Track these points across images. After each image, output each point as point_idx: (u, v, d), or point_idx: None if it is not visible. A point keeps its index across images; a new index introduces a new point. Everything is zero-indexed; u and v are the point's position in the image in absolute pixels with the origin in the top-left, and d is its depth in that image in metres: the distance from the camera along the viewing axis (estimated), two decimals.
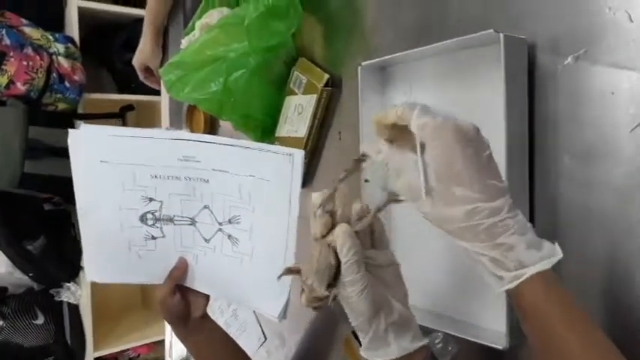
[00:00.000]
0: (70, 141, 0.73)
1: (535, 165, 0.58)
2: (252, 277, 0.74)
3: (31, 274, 1.98)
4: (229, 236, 0.74)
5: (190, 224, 0.76)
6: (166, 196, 0.75)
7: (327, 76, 0.81)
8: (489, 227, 0.41)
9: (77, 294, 2.02)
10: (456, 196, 0.42)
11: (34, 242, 1.96)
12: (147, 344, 2.19)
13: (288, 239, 0.67)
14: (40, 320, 1.97)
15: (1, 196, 1.83)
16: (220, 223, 0.74)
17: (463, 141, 0.42)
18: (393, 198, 0.51)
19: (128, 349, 2.21)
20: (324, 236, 0.49)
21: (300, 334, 0.95)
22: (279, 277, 0.52)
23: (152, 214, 0.76)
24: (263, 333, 1.04)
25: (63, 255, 2.01)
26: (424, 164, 0.44)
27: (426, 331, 0.66)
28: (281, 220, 0.68)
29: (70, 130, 0.73)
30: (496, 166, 0.44)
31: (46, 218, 1.97)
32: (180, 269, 0.79)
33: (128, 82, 2.11)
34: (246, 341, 0.99)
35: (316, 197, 0.51)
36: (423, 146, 0.44)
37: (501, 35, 0.54)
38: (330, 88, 0.82)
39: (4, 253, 1.93)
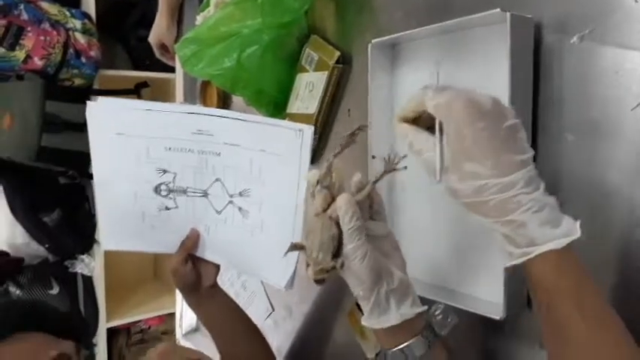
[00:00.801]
0: (87, 113, 0.76)
1: (538, 143, 0.59)
2: (261, 248, 0.77)
3: (46, 246, 2.03)
4: (240, 209, 0.77)
5: (203, 196, 0.79)
6: (180, 168, 0.77)
7: (338, 53, 0.82)
8: (500, 203, 0.41)
9: (91, 266, 2.07)
10: (467, 171, 0.42)
11: (49, 214, 2.00)
12: (158, 316, 2.25)
13: (296, 213, 0.70)
14: (55, 290, 2.02)
15: (18, 169, 1.87)
16: (231, 196, 0.77)
17: (474, 115, 0.41)
18: (391, 168, 0.54)
19: (140, 321, 2.27)
20: (324, 210, 0.52)
21: (307, 306, 0.98)
22: (285, 253, 0.54)
23: (166, 185, 0.79)
24: (271, 304, 1.07)
25: (77, 228, 2.06)
26: (441, 145, 0.45)
27: (426, 303, 0.69)
28: (290, 194, 0.70)
29: (89, 103, 0.76)
30: (518, 138, 0.42)
31: (62, 191, 2.01)
32: (192, 239, 0.81)
33: (143, 58, 2.13)
34: (254, 312, 1.02)
35: (312, 175, 0.54)
36: (441, 126, 0.46)
37: (508, 14, 0.55)
38: (340, 66, 0.83)
39: (20, 224, 1.98)
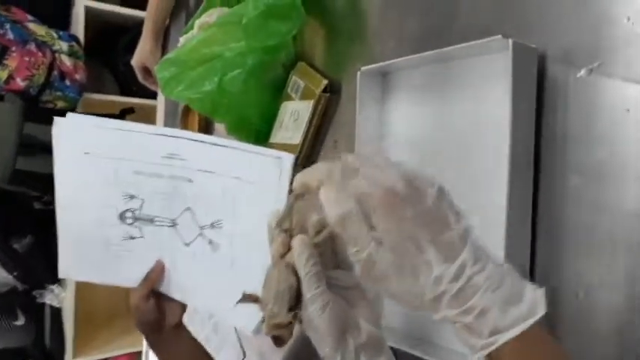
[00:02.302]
0: (54, 130, 0.71)
1: (540, 184, 0.54)
2: (230, 287, 0.70)
3: (15, 273, 1.93)
4: (210, 241, 0.71)
5: (171, 226, 0.73)
6: (148, 194, 0.72)
7: (325, 81, 0.78)
8: (458, 292, 0.36)
9: (61, 296, 1.97)
10: (412, 267, 0.36)
11: (20, 241, 1.91)
12: (128, 354, 2.13)
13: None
14: (21, 321, 1.92)
15: None
16: (202, 227, 0.71)
17: (398, 205, 0.36)
18: None
19: (108, 358, 2.15)
20: (282, 257, 0.45)
21: (281, 353, 0.90)
22: (236, 304, 0.47)
23: (132, 212, 0.73)
24: (243, 350, 0.99)
25: (49, 256, 1.96)
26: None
27: (405, 358, 0.62)
28: (265, 228, 0.64)
29: (56, 118, 0.70)
30: (447, 206, 0.37)
31: (35, 217, 1.93)
32: (156, 273, 0.75)
33: (130, 84, 2.09)
34: (225, 356, 0.94)
35: (271, 218, 0.47)
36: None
37: (510, 41, 0.50)
38: (328, 95, 0.78)
39: None
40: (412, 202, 0.36)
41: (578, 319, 0.50)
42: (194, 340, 0.82)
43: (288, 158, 0.61)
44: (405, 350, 0.60)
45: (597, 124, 0.50)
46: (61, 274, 0.78)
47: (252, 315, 0.67)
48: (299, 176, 0.43)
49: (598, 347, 0.48)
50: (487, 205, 0.55)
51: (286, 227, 0.46)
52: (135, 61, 1.31)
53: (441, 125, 0.63)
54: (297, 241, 0.43)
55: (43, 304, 1.98)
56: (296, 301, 0.43)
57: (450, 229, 0.36)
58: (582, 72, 0.51)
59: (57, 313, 1.98)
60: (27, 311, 1.94)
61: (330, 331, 0.42)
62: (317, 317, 0.42)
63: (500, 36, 0.51)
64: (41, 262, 1.94)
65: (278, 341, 0.45)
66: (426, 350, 0.59)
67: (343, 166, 0.38)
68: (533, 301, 0.35)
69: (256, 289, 0.47)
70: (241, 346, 0.99)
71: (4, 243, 1.90)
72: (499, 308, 0.35)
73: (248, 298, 0.47)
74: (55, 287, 1.98)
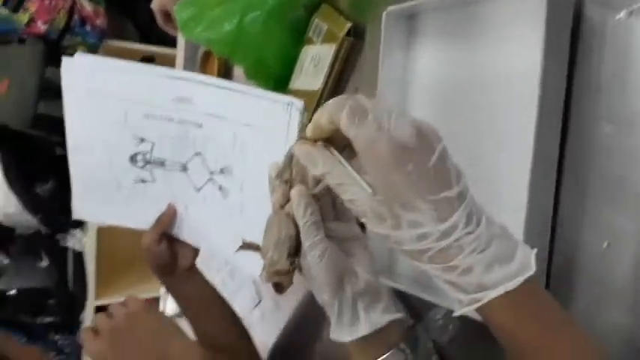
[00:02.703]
0: (63, 70, 0.70)
1: (569, 132, 0.51)
2: (240, 232, 0.70)
3: (39, 217, 1.98)
4: (220, 187, 0.70)
5: (181, 170, 0.73)
6: (158, 138, 0.71)
7: (349, 24, 0.75)
8: (441, 250, 0.35)
9: (82, 241, 2.02)
10: (402, 219, 0.36)
11: (43, 185, 1.95)
12: (148, 298, 2.19)
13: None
14: (45, 263, 1.98)
15: (13, 136, 1.81)
16: (212, 172, 0.70)
17: (400, 158, 0.35)
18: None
19: None
20: (282, 207, 0.45)
21: (296, 298, 0.91)
22: (236, 251, 0.48)
23: (143, 155, 0.73)
24: (258, 294, 1.01)
25: (70, 201, 2.01)
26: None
27: (427, 307, 0.62)
28: None
29: (64, 58, 0.69)
30: (448, 169, 0.36)
31: (57, 162, 1.95)
32: (168, 216, 0.75)
33: (151, 32, 2.06)
34: (241, 301, 0.96)
35: (272, 168, 0.47)
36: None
37: None
38: (351, 38, 0.76)
39: (13, 193, 1.93)
40: (418, 156, 0.35)
41: (601, 270, 0.48)
42: (207, 282, 0.84)
43: (299, 104, 0.60)
44: (415, 294, 0.60)
45: (635, 72, 0.47)
46: (74, 215, 0.79)
47: (260, 260, 0.67)
48: (314, 117, 0.41)
49: (619, 298, 0.47)
50: (512, 152, 0.53)
51: (286, 178, 0.46)
52: (155, 4, 1.28)
53: (468, 72, 0.60)
54: (295, 192, 0.44)
55: (66, 248, 2.03)
56: (295, 250, 0.44)
57: (449, 188, 0.35)
58: (622, 14, 0.48)
59: (79, 256, 2.04)
60: (50, 254, 2.00)
61: (328, 279, 0.42)
62: (315, 265, 0.42)
63: None
64: (63, 206, 1.98)
65: (278, 288, 0.46)
66: (435, 294, 0.58)
67: (353, 105, 0.36)
68: (523, 260, 0.35)
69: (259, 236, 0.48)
70: (257, 292, 1.01)
71: (27, 187, 1.94)
72: (484, 267, 0.35)
73: (247, 246, 0.48)
74: (76, 231, 2.03)
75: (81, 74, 0.70)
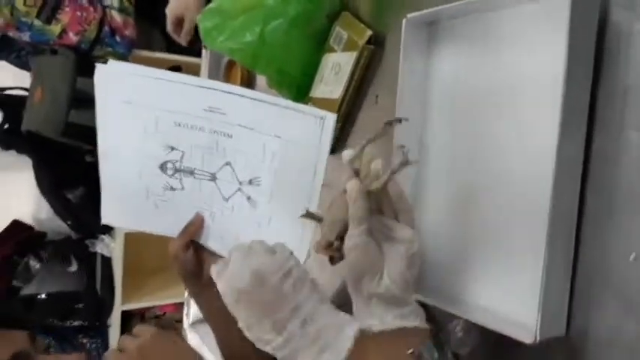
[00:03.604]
0: (96, 77, 0.71)
1: (594, 141, 0.50)
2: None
3: (68, 223, 2.03)
4: (248, 198, 0.71)
5: (210, 180, 0.73)
6: (188, 146, 0.72)
7: (369, 32, 0.74)
8: (290, 353, 0.47)
9: (110, 246, 2.06)
10: (253, 338, 0.49)
11: (74, 191, 2.00)
12: (174, 303, 2.22)
13: (309, 208, 0.63)
14: (74, 267, 2.02)
15: (45, 143, 1.86)
16: (240, 183, 0.71)
17: (235, 296, 0.51)
18: (405, 161, 0.51)
19: (155, 306, 2.25)
20: (345, 192, 0.51)
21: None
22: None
23: (172, 163, 0.73)
24: None
25: (100, 207, 2.04)
26: None
27: (447, 318, 0.60)
28: (303, 188, 0.63)
29: (98, 65, 0.71)
30: (288, 286, 0.48)
31: (87, 169, 2.00)
32: (196, 225, 0.76)
33: (178, 42, 2.10)
34: None
35: (346, 154, 0.53)
36: None
37: None
38: (371, 47, 0.75)
39: (44, 198, 1.98)
40: (249, 292, 0.49)
41: (626, 283, 0.47)
42: None
43: (331, 118, 0.60)
44: (436, 305, 0.59)
45: None
46: (103, 220, 0.80)
47: None
48: None
49: None
50: (535, 160, 0.52)
51: (355, 167, 0.53)
52: (170, 9, 1.27)
53: (488, 78, 0.59)
54: (350, 185, 0.50)
55: (95, 253, 2.07)
56: (344, 233, 0.51)
57: (282, 310, 0.47)
58: None
59: (107, 261, 2.07)
60: (80, 259, 2.04)
61: (350, 271, 0.50)
62: (347, 255, 0.50)
63: None
64: (92, 212, 2.02)
65: (331, 260, 0.53)
66: (455, 305, 0.58)
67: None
68: (340, 347, 0.46)
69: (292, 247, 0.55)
70: None
71: (58, 193, 1.99)
72: (317, 354, 0.46)
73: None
74: (105, 237, 2.07)
75: (114, 81, 0.70)
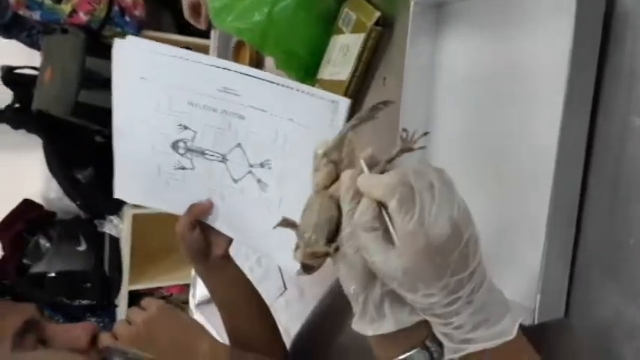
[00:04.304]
0: (114, 52, 0.71)
1: (597, 126, 0.50)
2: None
3: (77, 202, 2.04)
4: (259, 180, 0.71)
5: (221, 161, 0.73)
6: (201, 126, 0.72)
7: (378, 13, 0.74)
8: (443, 313, 0.40)
9: (119, 227, 2.08)
10: (418, 288, 0.39)
11: (83, 171, 2.01)
12: (181, 285, 2.24)
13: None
14: (82, 247, 2.04)
15: (55, 123, 1.87)
16: (251, 165, 0.71)
17: (432, 252, 0.38)
18: (408, 146, 0.45)
19: (162, 287, 2.27)
20: (326, 188, 0.45)
21: (320, 289, 0.92)
22: (275, 227, 0.47)
23: (184, 142, 0.74)
24: (284, 283, 1.02)
25: (108, 188, 2.06)
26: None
27: None
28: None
29: (116, 40, 0.71)
30: (468, 254, 0.39)
31: (96, 150, 2.01)
32: (202, 206, 0.77)
33: (187, 23, 2.10)
34: (266, 289, 0.97)
35: (320, 145, 0.46)
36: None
37: None
38: (380, 28, 0.75)
39: (54, 178, 2.00)
40: (446, 251, 0.38)
41: (627, 266, 0.47)
42: (240, 271, 0.85)
43: (345, 103, 0.60)
44: None
45: None
46: (115, 194, 0.81)
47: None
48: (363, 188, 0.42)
49: None
50: (538, 142, 0.52)
51: (334, 159, 0.45)
52: None
53: (495, 61, 0.59)
54: (347, 176, 0.43)
55: (103, 234, 2.09)
56: (334, 234, 0.43)
57: (464, 272, 0.39)
58: None
59: (115, 242, 2.09)
60: (89, 238, 2.06)
61: (360, 272, 0.42)
62: (352, 254, 0.42)
63: None
64: (101, 192, 2.04)
65: (307, 269, 0.46)
66: None
67: (403, 193, 0.39)
68: (506, 327, 0.40)
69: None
70: (283, 280, 1.02)
71: (68, 173, 2.00)
72: (472, 326, 0.40)
73: (286, 223, 0.47)
74: (114, 218, 2.09)
75: (131, 57, 0.71)
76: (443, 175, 0.40)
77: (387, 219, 0.39)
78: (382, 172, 0.43)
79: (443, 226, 0.38)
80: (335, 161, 0.45)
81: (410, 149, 0.45)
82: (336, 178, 0.45)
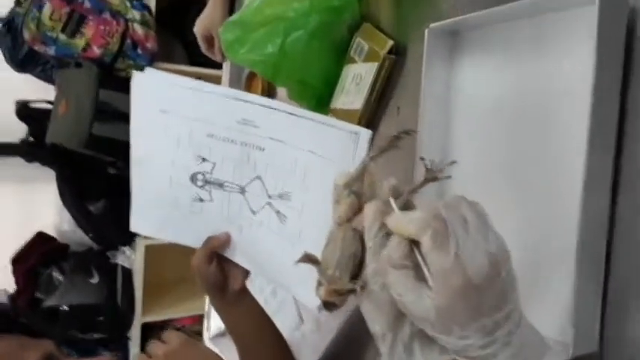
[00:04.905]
0: (132, 84, 0.71)
1: (624, 151, 0.49)
2: (296, 258, 0.69)
3: (90, 235, 2.04)
4: (278, 212, 0.69)
5: (240, 192, 0.72)
6: (220, 158, 0.71)
7: (391, 42, 0.74)
8: (479, 356, 0.37)
9: (132, 258, 2.07)
10: (452, 329, 0.37)
11: (95, 203, 2.02)
12: (193, 316, 2.22)
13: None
14: (95, 279, 2.03)
15: (69, 155, 1.89)
16: (270, 197, 0.70)
17: (469, 291, 0.36)
18: (432, 175, 0.44)
19: (175, 319, 2.25)
20: (349, 220, 0.43)
21: (338, 321, 0.90)
22: (296, 263, 0.45)
23: (203, 175, 0.73)
24: (300, 315, 0.99)
25: (121, 219, 2.05)
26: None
27: None
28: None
29: (134, 72, 0.71)
30: (506, 291, 0.37)
31: (109, 182, 2.02)
32: (220, 239, 0.75)
33: (199, 54, 2.12)
34: (281, 321, 0.95)
35: (341, 177, 0.45)
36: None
37: None
38: (393, 57, 0.75)
39: (67, 210, 2.01)
40: (483, 290, 0.36)
41: None
42: (257, 304, 0.83)
43: (366, 134, 0.59)
44: None
45: None
46: (131, 228, 0.80)
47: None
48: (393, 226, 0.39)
49: None
50: (562, 172, 0.51)
51: (356, 190, 0.44)
52: (198, 28, 1.29)
53: (513, 91, 0.58)
54: (371, 208, 0.41)
55: (116, 265, 2.09)
56: (358, 269, 0.42)
57: (500, 311, 0.37)
58: None
59: (128, 273, 2.08)
60: (101, 270, 2.05)
61: (389, 309, 0.40)
62: (378, 292, 0.40)
63: None
64: (114, 224, 2.04)
65: (330, 307, 0.44)
66: None
67: (436, 228, 0.37)
68: None
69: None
70: (299, 313, 1.00)
71: (81, 205, 2.01)
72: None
73: (308, 258, 0.45)
74: (126, 249, 2.08)
75: (150, 89, 0.71)
76: (476, 208, 0.38)
77: (418, 256, 0.37)
78: (405, 203, 0.42)
79: (480, 262, 0.36)
80: (357, 192, 0.44)
81: (435, 178, 0.44)
82: (358, 209, 0.44)
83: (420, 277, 0.37)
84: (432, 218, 0.37)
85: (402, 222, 0.38)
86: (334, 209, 0.45)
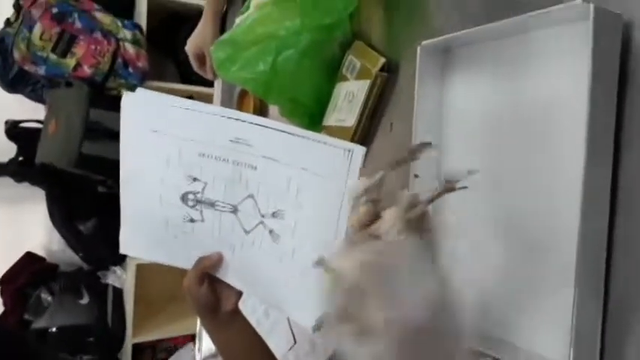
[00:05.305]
0: (122, 104, 0.70)
1: (621, 162, 0.48)
2: (290, 279, 0.67)
3: (80, 254, 2.02)
4: (271, 231, 0.68)
5: (232, 212, 0.71)
6: (211, 178, 0.70)
7: (383, 60, 0.74)
8: None
9: (122, 278, 2.04)
10: None
11: (85, 222, 1.99)
12: (185, 336, 2.18)
13: (334, 244, 0.60)
14: (85, 300, 2.00)
15: (58, 175, 1.87)
16: (263, 216, 0.68)
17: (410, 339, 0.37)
18: (450, 187, 0.45)
19: (166, 339, 2.21)
20: (365, 227, 0.44)
21: (333, 343, 0.88)
22: (314, 265, 0.45)
23: (194, 194, 0.72)
24: (293, 336, 0.98)
25: (112, 238, 2.02)
26: None
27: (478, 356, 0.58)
28: (330, 222, 0.61)
29: (125, 92, 0.70)
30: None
31: (99, 201, 2.00)
32: (211, 260, 0.73)
33: (190, 72, 2.12)
34: (275, 343, 0.93)
35: (357, 184, 0.46)
36: None
37: (591, 7, 0.45)
38: (385, 74, 0.75)
39: (56, 230, 1.98)
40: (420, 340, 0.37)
41: None
42: (249, 325, 0.81)
43: (360, 151, 0.58)
44: (484, 351, 0.56)
45: None
46: (121, 250, 0.78)
47: (312, 312, 0.64)
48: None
49: None
50: (559, 188, 0.50)
51: (373, 198, 0.45)
52: (190, 46, 1.29)
53: (505, 107, 0.58)
54: (391, 214, 0.42)
55: (107, 285, 2.06)
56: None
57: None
58: None
59: (119, 293, 2.05)
60: (91, 291, 2.02)
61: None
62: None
63: (580, 0, 0.45)
64: (104, 243, 2.01)
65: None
66: (500, 350, 0.55)
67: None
68: None
69: (317, 279, 0.46)
70: (292, 333, 0.98)
71: (70, 225, 1.99)
72: None
73: (324, 263, 0.45)
74: (117, 269, 2.05)
75: (140, 109, 0.70)
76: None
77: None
78: (423, 214, 0.43)
79: (421, 312, 0.37)
80: (374, 200, 0.45)
81: (452, 189, 0.45)
82: (374, 217, 0.44)
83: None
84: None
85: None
86: (350, 216, 0.46)
